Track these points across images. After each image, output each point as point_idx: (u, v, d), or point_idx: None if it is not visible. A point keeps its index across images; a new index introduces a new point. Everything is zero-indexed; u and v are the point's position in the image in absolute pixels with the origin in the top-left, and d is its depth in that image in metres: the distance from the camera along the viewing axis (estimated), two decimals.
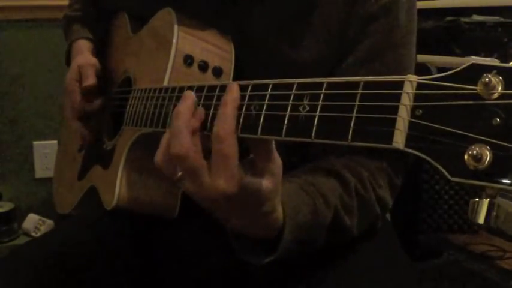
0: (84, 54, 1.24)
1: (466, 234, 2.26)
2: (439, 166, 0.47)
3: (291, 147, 0.79)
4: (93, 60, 1.22)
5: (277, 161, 0.70)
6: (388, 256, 0.97)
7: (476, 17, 2.21)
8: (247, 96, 0.69)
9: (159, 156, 0.73)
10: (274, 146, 0.69)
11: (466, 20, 2.20)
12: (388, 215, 1.09)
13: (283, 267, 0.93)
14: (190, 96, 0.73)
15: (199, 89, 0.78)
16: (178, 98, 0.81)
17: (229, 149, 0.66)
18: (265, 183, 0.69)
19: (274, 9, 0.97)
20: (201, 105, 0.76)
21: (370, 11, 0.93)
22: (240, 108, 0.68)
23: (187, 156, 0.68)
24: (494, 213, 0.47)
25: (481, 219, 0.48)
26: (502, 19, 2.19)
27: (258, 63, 0.97)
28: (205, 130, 0.72)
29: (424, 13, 2.20)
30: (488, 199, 0.47)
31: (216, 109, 0.72)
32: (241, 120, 0.68)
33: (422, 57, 1.85)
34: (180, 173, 0.71)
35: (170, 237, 1.09)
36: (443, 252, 2.27)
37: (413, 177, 0.97)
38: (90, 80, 1.17)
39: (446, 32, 2.20)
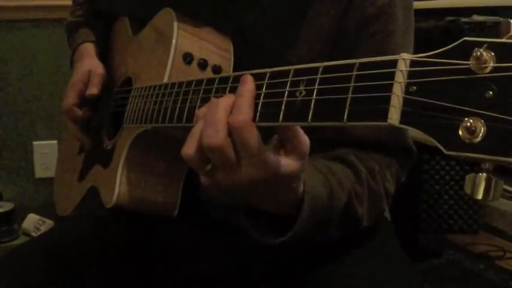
0: (94, 60, 1.25)
1: (466, 234, 2.27)
2: (434, 140, 0.47)
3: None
4: (102, 68, 1.23)
5: (305, 139, 0.69)
6: (389, 256, 0.96)
7: (476, 17, 2.22)
8: None
9: (189, 148, 0.70)
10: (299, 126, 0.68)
11: (466, 20, 2.20)
12: (388, 215, 1.09)
13: (283, 266, 0.93)
14: (232, 96, 0.70)
15: (198, 83, 0.78)
16: (178, 94, 0.82)
17: (250, 138, 0.65)
18: (294, 163, 0.69)
19: (272, 10, 0.97)
20: (200, 98, 0.77)
21: (367, 13, 0.92)
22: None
23: (223, 147, 0.66)
24: (492, 187, 0.47)
25: (479, 195, 0.48)
26: (501, 19, 2.19)
27: (256, 63, 0.97)
28: None
29: (424, 13, 2.21)
30: (485, 173, 0.47)
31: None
32: None
33: None
34: (209, 166, 0.70)
35: (171, 236, 1.09)
36: (443, 252, 2.28)
37: (413, 177, 0.97)
38: (95, 89, 1.18)
39: (446, 32, 2.20)
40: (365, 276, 0.88)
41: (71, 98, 1.19)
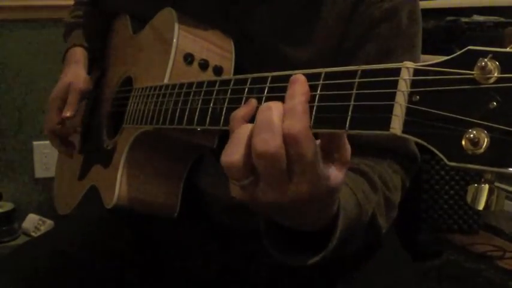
0: (79, 68, 1.26)
1: (466, 234, 2.26)
2: (436, 151, 0.47)
3: None
4: (83, 81, 1.23)
5: (348, 146, 0.63)
6: (389, 256, 0.96)
7: (476, 17, 2.22)
8: (247, 88, 0.69)
9: (234, 155, 0.62)
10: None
11: (466, 20, 2.21)
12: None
13: (283, 269, 0.93)
14: (279, 102, 0.62)
15: (199, 85, 0.78)
16: (179, 95, 0.81)
17: (308, 149, 0.58)
18: (341, 173, 0.63)
19: (275, 11, 0.97)
20: (201, 100, 0.76)
21: (373, 16, 0.93)
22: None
23: (279, 156, 0.58)
24: (495, 198, 0.47)
25: (481, 205, 0.47)
26: (502, 19, 2.19)
27: (258, 63, 0.97)
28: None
29: (424, 13, 2.20)
30: (487, 184, 0.47)
31: (214, 104, 0.72)
32: None
33: (422, 57, 1.85)
34: (251, 178, 0.62)
35: (171, 236, 1.09)
36: (443, 252, 2.27)
37: (413, 177, 0.97)
38: (70, 110, 1.18)
39: (446, 32, 2.20)
40: (365, 277, 0.88)
41: (53, 117, 1.21)
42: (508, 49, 0.45)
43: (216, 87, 0.74)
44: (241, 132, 0.62)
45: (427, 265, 2.19)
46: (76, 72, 1.24)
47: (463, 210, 2.19)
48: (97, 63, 1.31)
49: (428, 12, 2.26)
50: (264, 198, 0.62)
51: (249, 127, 0.62)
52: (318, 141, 0.62)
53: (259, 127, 0.59)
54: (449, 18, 2.25)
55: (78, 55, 1.29)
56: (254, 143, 0.59)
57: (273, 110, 0.59)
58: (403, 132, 0.50)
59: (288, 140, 0.58)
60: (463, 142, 0.45)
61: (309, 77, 0.61)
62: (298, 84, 0.60)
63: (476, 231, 2.23)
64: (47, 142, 2.46)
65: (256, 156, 0.59)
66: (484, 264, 2.22)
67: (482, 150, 0.44)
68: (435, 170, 2.16)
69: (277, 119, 0.59)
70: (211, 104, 0.73)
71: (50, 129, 1.23)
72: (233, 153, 0.62)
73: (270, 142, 0.58)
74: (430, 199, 2.18)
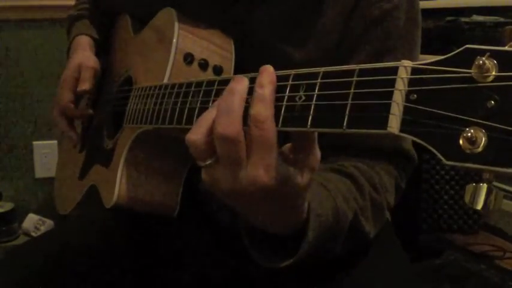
0: (86, 52, 1.24)
1: (466, 234, 2.26)
2: (433, 150, 0.46)
3: None
4: (94, 61, 1.22)
5: (317, 153, 0.65)
6: (388, 256, 0.96)
7: (476, 17, 2.22)
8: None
9: (197, 134, 0.64)
10: (316, 137, 0.64)
11: (466, 20, 2.20)
12: (388, 215, 1.09)
13: (285, 270, 0.93)
14: (244, 79, 0.66)
15: (198, 85, 0.78)
16: (178, 95, 0.81)
17: (271, 135, 0.61)
18: (303, 177, 0.65)
19: (275, 10, 0.97)
20: (200, 100, 0.77)
21: (372, 16, 0.93)
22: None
23: (237, 139, 0.61)
24: (493, 198, 0.47)
25: (479, 205, 0.47)
26: (502, 19, 2.19)
27: (258, 63, 0.97)
28: None
29: (424, 13, 2.20)
30: (486, 184, 0.47)
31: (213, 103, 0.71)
32: None
33: (422, 57, 1.85)
34: (212, 159, 0.64)
35: (171, 236, 1.09)
36: (443, 252, 2.27)
37: (413, 177, 0.97)
38: (87, 84, 1.17)
39: (446, 32, 2.20)
40: (364, 276, 0.87)
41: (65, 95, 1.18)
42: (506, 47, 0.44)
43: (215, 87, 0.74)
44: (207, 114, 0.65)
45: (427, 265, 2.19)
46: (84, 55, 1.23)
47: (463, 210, 2.19)
48: (100, 58, 1.31)
49: (428, 12, 2.26)
50: (222, 181, 0.64)
51: (215, 110, 0.64)
52: (289, 144, 0.65)
53: (220, 110, 0.62)
54: (449, 18, 2.25)
55: (84, 42, 1.27)
56: (215, 125, 0.62)
57: (235, 93, 0.63)
58: (401, 131, 0.50)
59: (254, 122, 0.61)
60: (461, 141, 0.45)
61: (307, 77, 0.61)
62: (267, 74, 0.63)
63: (476, 231, 2.23)
64: (47, 142, 2.50)
65: (217, 138, 0.62)
66: (484, 264, 2.22)
67: (480, 149, 0.44)
68: (435, 170, 2.16)
69: (239, 102, 0.62)
70: (210, 104, 0.73)
71: (60, 108, 1.19)
72: (195, 133, 0.64)
73: (231, 126, 0.61)
74: (430, 199, 2.18)
